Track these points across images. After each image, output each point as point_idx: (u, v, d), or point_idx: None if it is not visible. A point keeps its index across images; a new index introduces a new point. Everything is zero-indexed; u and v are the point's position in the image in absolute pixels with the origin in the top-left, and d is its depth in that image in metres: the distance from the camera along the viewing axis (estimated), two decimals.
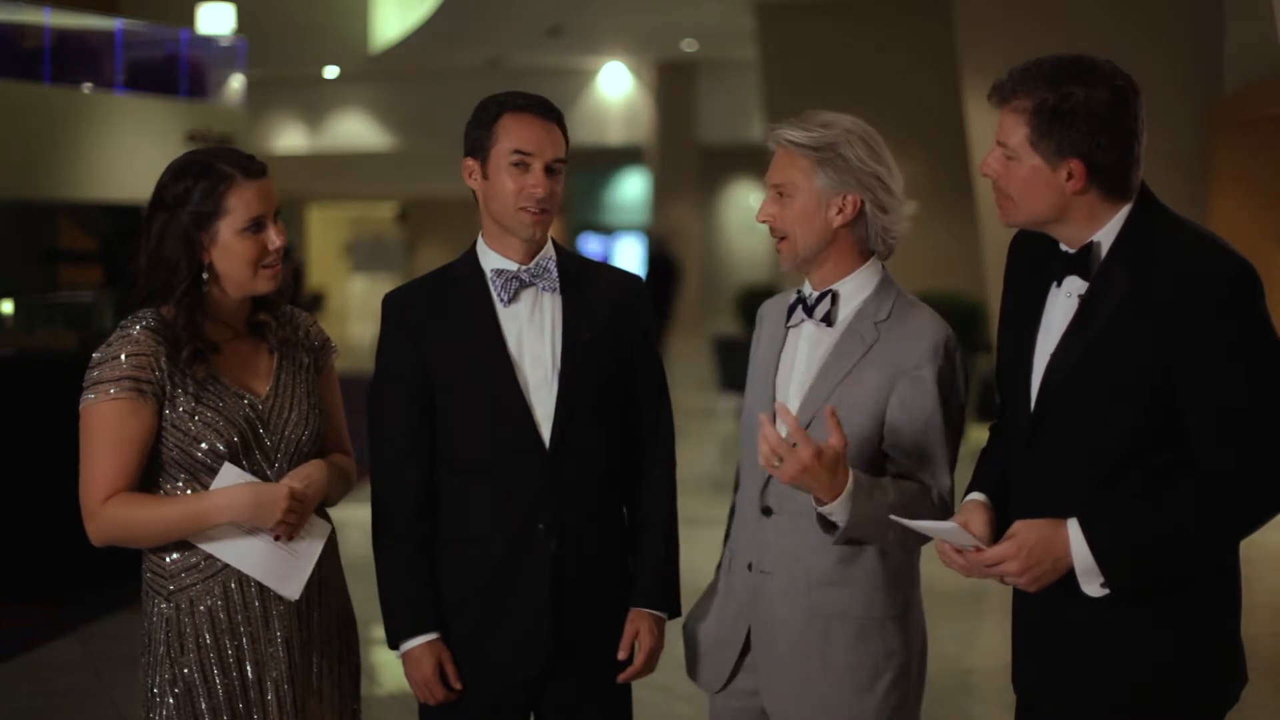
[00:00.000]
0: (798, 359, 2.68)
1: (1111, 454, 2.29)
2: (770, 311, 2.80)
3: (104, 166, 11.48)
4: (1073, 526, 2.26)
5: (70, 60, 11.48)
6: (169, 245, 2.56)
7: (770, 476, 2.60)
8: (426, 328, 2.74)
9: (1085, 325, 2.30)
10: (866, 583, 2.61)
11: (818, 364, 2.63)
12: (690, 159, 22.73)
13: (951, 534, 2.35)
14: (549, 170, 2.69)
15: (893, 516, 2.51)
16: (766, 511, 2.65)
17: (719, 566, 2.84)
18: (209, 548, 2.58)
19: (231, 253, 2.57)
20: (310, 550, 2.63)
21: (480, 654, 2.74)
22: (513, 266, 2.75)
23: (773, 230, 2.66)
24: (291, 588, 2.61)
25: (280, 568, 2.60)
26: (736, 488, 2.87)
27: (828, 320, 2.64)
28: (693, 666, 2.81)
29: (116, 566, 4.49)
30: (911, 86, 13.89)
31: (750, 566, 2.67)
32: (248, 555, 2.58)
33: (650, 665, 2.81)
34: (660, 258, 20.83)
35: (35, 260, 12.78)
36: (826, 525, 2.54)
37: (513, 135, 2.68)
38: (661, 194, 22.72)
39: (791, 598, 2.62)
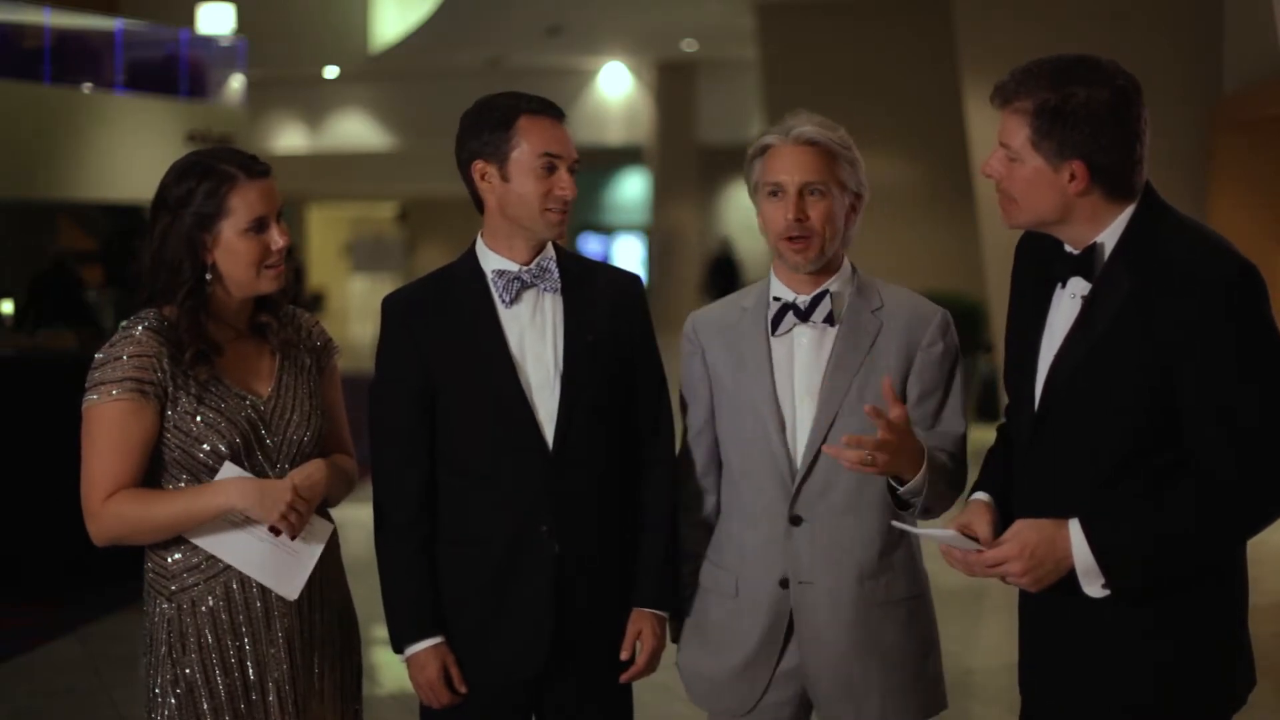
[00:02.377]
0: (798, 364, 2.67)
1: (1113, 454, 2.28)
2: (717, 327, 2.76)
3: (104, 166, 11.48)
4: (1074, 527, 2.26)
5: (70, 60, 11.48)
6: (172, 246, 2.56)
7: (801, 486, 2.63)
8: (427, 329, 2.74)
9: (1088, 326, 2.30)
10: (905, 565, 2.68)
11: (830, 361, 2.64)
12: (690, 159, 22.73)
13: (951, 539, 2.35)
14: (570, 171, 2.71)
15: (894, 524, 2.53)
16: (796, 520, 2.65)
17: (698, 594, 2.78)
18: (209, 546, 2.57)
19: (234, 253, 2.57)
20: (311, 551, 2.62)
21: (481, 655, 2.73)
22: (514, 267, 2.74)
23: (803, 228, 2.63)
24: (291, 588, 2.61)
25: (280, 567, 2.60)
26: (698, 507, 2.81)
27: (830, 320, 2.66)
28: (710, 698, 2.77)
29: (116, 566, 4.48)
30: (911, 86, 13.89)
31: (784, 582, 2.66)
32: (247, 555, 2.58)
33: (652, 665, 2.81)
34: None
35: (35, 260, 12.77)
36: (902, 504, 2.59)
37: (536, 138, 2.68)
38: (661, 194, 22.72)
39: (840, 600, 2.63)
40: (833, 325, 2.66)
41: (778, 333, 2.68)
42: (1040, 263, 2.43)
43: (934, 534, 2.38)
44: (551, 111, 2.72)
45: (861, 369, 2.62)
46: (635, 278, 2.88)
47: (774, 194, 2.65)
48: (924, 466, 2.50)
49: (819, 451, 2.61)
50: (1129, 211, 2.31)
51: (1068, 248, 2.37)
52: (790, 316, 2.67)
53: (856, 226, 2.72)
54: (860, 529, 2.63)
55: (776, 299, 2.70)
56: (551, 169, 2.68)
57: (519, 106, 2.70)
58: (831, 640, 2.64)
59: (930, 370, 2.67)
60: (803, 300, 2.67)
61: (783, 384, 2.67)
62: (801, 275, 2.68)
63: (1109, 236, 2.32)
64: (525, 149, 2.68)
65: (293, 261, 2.74)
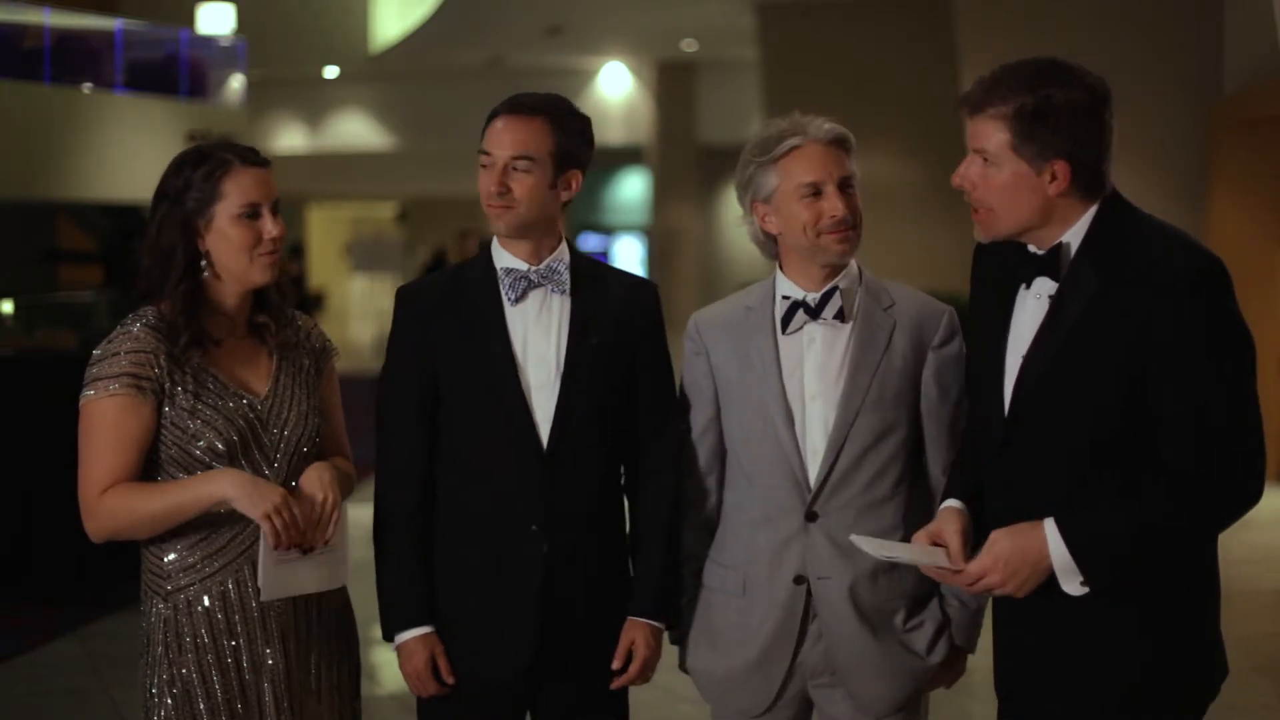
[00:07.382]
0: (809, 362, 2.67)
1: (1087, 453, 2.29)
2: (721, 327, 2.77)
3: (104, 166, 11.47)
4: (1049, 527, 2.27)
5: (70, 60, 11.46)
6: (166, 233, 2.57)
7: (823, 485, 2.64)
8: (436, 323, 2.76)
9: (1056, 326, 2.30)
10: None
11: (848, 359, 2.65)
12: (690, 159, 22.70)
13: (925, 556, 2.35)
14: (513, 168, 2.68)
15: (853, 537, 2.50)
16: (812, 517, 2.66)
17: (703, 594, 2.79)
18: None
19: (227, 239, 2.58)
20: (337, 555, 2.65)
21: (473, 651, 2.74)
22: (523, 266, 2.75)
23: (850, 221, 2.66)
24: (336, 578, 2.66)
25: (315, 568, 2.62)
26: (700, 508, 2.81)
27: (841, 316, 2.67)
28: (723, 699, 2.77)
29: (116, 566, 4.48)
30: (911, 86, 13.89)
31: (798, 579, 2.67)
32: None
33: (645, 675, 2.79)
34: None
35: (35, 260, 12.77)
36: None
37: (484, 137, 2.71)
38: (661, 194, 22.71)
39: (856, 594, 2.65)
40: (844, 321, 2.67)
41: (788, 331, 2.69)
42: (1001, 265, 2.43)
43: (912, 559, 2.39)
44: (503, 109, 2.72)
45: (880, 366, 2.65)
46: (650, 285, 2.87)
47: (814, 193, 2.65)
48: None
49: (840, 449, 2.63)
50: (1093, 210, 2.32)
51: (1031, 248, 2.37)
52: (800, 314, 2.68)
53: None
54: (873, 525, 2.64)
55: (785, 297, 2.71)
56: (486, 167, 2.68)
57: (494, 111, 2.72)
58: (849, 634, 2.65)
59: (948, 370, 2.69)
60: (813, 298, 2.68)
61: (791, 383, 2.67)
62: (814, 272, 2.69)
63: (1074, 235, 2.32)
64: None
65: (295, 264, 2.74)
